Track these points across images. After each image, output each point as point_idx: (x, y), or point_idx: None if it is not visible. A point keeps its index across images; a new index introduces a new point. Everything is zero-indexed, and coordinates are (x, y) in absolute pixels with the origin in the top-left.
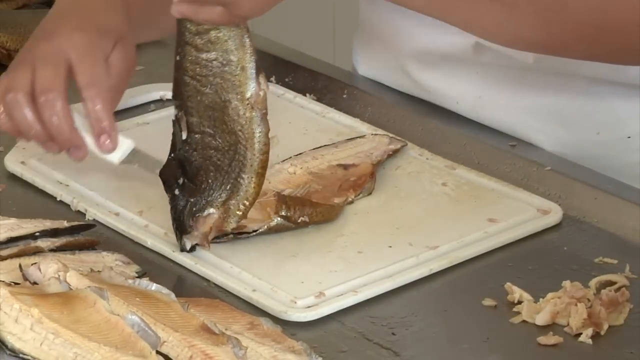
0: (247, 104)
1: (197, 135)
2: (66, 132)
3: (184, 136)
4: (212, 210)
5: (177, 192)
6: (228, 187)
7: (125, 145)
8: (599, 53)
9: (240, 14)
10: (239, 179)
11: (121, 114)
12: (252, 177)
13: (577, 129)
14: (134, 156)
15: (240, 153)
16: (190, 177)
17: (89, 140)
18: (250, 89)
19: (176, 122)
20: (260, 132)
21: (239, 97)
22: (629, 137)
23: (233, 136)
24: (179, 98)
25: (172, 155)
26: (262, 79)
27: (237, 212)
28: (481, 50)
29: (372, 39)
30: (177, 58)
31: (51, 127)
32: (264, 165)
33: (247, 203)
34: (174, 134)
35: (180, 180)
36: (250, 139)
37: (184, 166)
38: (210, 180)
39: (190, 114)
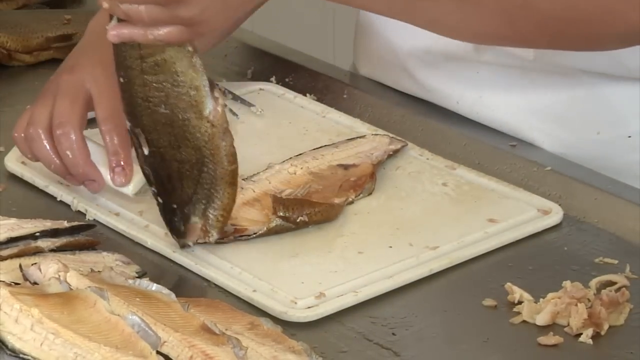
0: (207, 122)
1: (161, 149)
2: (81, 165)
3: (146, 152)
4: (195, 219)
5: (160, 200)
6: (203, 197)
7: (139, 176)
8: (563, 43)
9: (205, 31)
10: (212, 191)
11: None
12: (224, 189)
13: (578, 128)
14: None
15: (208, 167)
16: (163, 186)
17: (104, 173)
18: (208, 107)
19: (134, 137)
20: (225, 145)
21: (196, 115)
22: (630, 137)
23: (198, 151)
24: (133, 117)
25: (141, 167)
26: (217, 94)
27: (217, 223)
28: (482, 49)
29: (373, 38)
30: (121, 80)
31: (67, 161)
32: (234, 175)
33: (225, 214)
34: (134, 148)
35: (155, 189)
36: (217, 154)
37: (154, 177)
38: (184, 189)
39: (148, 132)
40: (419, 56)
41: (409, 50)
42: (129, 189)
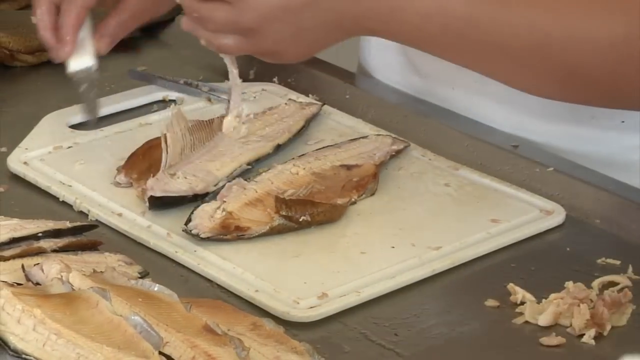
0: None
1: None
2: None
3: None
4: None
5: None
6: None
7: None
8: (613, 104)
9: (276, 61)
10: None
11: (123, 115)
12: None
13: (572, 112)
14: (87, 76)
15: None
16: None
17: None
18: None
19: None
20: None
21: None
22: (623, 122)
23: None
24: None
25: None
26: None
27: None
28: None
29: None
30: None
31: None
32: None
33: None
34: None
35: None
36: None
37: None
38: None
39: None
40: None
41: None
42: (73, 65)
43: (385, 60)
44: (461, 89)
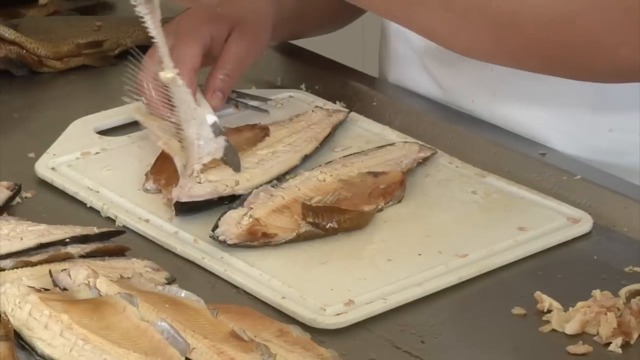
0: None
1: None
2: None
3: None
4: None
5: None
6: None
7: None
8: (554, 69)
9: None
10: None
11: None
12: None
13: (590, 125)
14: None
15: None
16: None
17: None
18: None
19: None
20: None
21: None
22: None
23: None
24: None
25: None
26: None
27: None
28: None
29: (393, 37)
30: None
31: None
32: None
33: None
34: None
35: None
36: None
37: None
38: None
39: None
40: (434, 54)
41: (425, 48)
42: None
43: (404, 74)
44: (481, 103)
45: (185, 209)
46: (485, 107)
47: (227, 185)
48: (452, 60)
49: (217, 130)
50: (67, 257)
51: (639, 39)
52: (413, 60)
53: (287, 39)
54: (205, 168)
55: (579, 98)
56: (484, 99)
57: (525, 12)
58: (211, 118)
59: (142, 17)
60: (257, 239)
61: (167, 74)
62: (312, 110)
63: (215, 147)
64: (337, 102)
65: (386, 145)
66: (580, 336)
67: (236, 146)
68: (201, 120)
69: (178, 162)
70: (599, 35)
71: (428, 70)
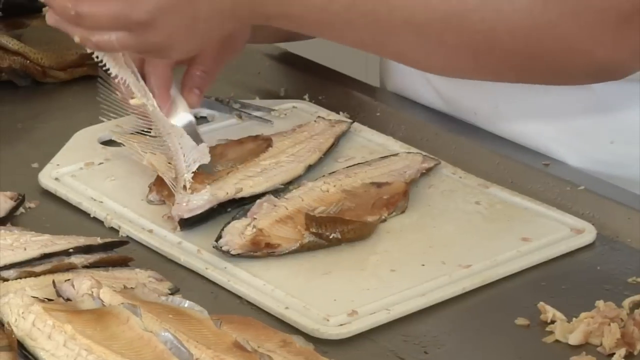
0: None
1: None
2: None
3: None
4: None
5: None
6: None
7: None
8: (531, 78)
9: (174, 56)
10: None
11: None
12: None
13: (592, 136)
14: (191, 131)
15: None
16: None
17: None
18: None
19: None
20: None
21: None
22: None
23: None
24: None
25: None
26: None
27: None
28: None
29: None
30: None
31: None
32: None
33: None
34: None
35: None
36: None
37: None
38: None
39: None
40: None
41: None
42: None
43: (406, 86)
44: (483, 115)
45: (190, 223)
46: (488, 120)
47: (227, 192)
48: None
49: (194, 132)
50: (71, 268)
51: (615, 39)
52: (415, 72)
53: (275, 41)
54: (203, 186)
55: (581, 110)
56: (486, 111)
57: (501, 26)
58: (187, 117)
59: (101, 62)
60: (260, 250)
61: (137, 101)
62: (315, 121)
63: (199, 153)
64: (341, 112)
65: (389, 155)
66: (583, 347)
67: (239, 158)
68: (180, 133)
69: (167, 178)
70: (575, 40)
71: (430, 83)
